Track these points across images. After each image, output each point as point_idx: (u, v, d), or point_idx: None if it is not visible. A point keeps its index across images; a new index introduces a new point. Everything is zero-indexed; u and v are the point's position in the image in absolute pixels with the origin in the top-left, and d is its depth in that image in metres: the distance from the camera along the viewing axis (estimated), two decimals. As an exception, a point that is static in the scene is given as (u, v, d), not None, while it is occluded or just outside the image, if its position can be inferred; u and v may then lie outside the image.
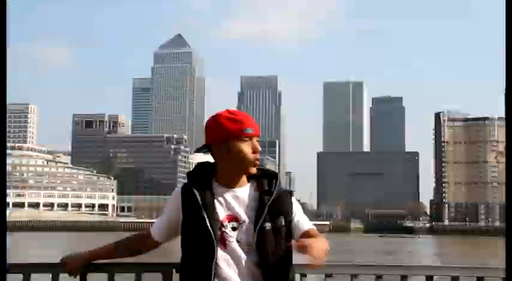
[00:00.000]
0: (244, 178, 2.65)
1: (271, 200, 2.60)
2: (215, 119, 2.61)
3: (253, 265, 2.55)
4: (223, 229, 2.56)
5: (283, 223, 2.60)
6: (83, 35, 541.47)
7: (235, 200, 2.61)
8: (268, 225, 2.57)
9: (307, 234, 2.64)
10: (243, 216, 2.59)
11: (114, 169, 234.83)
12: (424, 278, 3.23)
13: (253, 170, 2.62)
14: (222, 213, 2.58)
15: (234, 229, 2.57)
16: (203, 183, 2.62)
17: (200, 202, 2.57)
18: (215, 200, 2.60)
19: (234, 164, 2.59)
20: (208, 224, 2.53)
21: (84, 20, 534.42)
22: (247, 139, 2.57)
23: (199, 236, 2.54)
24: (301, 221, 2.68)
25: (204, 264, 2.52)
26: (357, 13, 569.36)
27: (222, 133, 2.58)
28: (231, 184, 2.63)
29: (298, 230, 2.65)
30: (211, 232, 2.52)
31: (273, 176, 2.67)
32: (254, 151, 2.59)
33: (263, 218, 2.56)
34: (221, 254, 2.54)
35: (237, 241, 2.56)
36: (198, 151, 2.79)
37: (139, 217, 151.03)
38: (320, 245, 2.44)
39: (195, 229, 2.56)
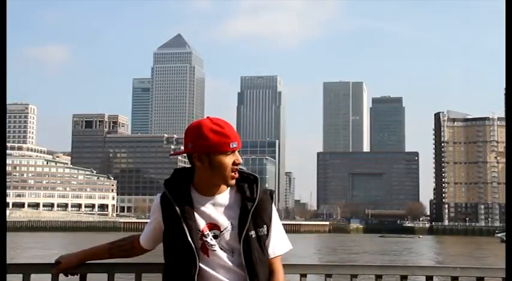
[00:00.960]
0: (223, 186, 2.64)
1: (254, 207, 2.58)
2: (198, 129, 2.54)
3: (239, 270, 2.55)
4: (204, 238, 2.55)
5: (265, 232, 2.61)
6: (83, 35, 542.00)
7: (215, 208, 2.59)
8: (253, 233, 2.56)
9: (270, 264, 2.64)
10: (225, 223, 2.57)
11: (114, 169, 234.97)
12: (424, 278, 3.24)
13: (233, 183, 2.58)
14: (202, 222, 2.57)
15: (215, 236, 2.56)
16: (181, 192, 2.60)
17: (179, 212, 2.54)
18: (194, 210, 2.58)
19: (214, 176, 2.56)
20: (188, 236, 2.52)
21: (84, 20, 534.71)
22: (230, 153, 2.54)
23: (181, 248, 2.54)
24: (274, 241, 2.66)
25: (186, 276, 2.52)
26: (357, 13, 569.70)
27: (205, 145, 2.52)
28: (210, 191, 2.61)
29: (268, 251, 2.64)
30: (192, 245, 2.51)
31: (253, 180, 2.63)
32: (236, 163, 2.55)
33: (247, 226, 2.55)
34: (205, 263, 2.54)
35: (220, 248, 2.55)
36: (175, 154, 2.71)
37: (139, 217, 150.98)
38: None
39: (176, 241, 2.55)
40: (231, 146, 2.52)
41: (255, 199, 2.59)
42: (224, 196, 2.61)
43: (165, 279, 2.63)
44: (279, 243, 2.66)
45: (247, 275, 2.53)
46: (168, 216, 2.59)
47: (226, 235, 2.56)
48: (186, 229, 2.52)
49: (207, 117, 2.58)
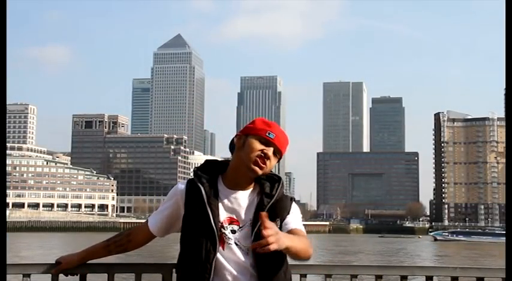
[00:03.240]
0: (249, 181, 2.67)
1: (271, 203, 2.61)
2: (254, 120, 2.69)
3: (251, 267, 2.56)
4: (222, 230, 2.57)
5: (279, 226, 2.59)
6: (83, 35, 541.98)
7: (237, 203, 2.62)
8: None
9: (290, 233, 2.59)
10: (244, 219, 2.61)
11: (114, 169, 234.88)
12: (424, 279, 3.23)
13: (256, 171, 2.60)
14: (223, 214, 2.60)
15: (233, 231, 2.58)
16: (210, 181, 2.64)
17: (205, 199, 2.58)
18: (219, 200, 2.61)
19: (241, 158, 2.62)
20: (212, 221, 2.55)
21: (84, 20, 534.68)
22: (264, 140, 2.60)
23: (202, 233, 2.56)
24: (291, 221, 2.64)
25: (204, 261, 2.54)
26: (357, 13, 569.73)
27: (249, 128, 2.64)
28: (236, 185, 2.65)
29: (285, 229, 2.62)
30: (215, 230, 2.54)
31: (276, 180, 2.68)
32: (262, 154, 2.58)
33: (260, 220, 2.52)
34: (220, 255, 2.56)
35: (236, 244, 2.57)
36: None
37: (139, 218, 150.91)
38: (282, 236, 2.33)
39: (197, 226, 2.58)
40: (267, 134, 2.59)
41: (274, 195, 2.62)
42: (247, 193, 2.65)
43: (181, 265, 2.64)
44: (295, 221, 2.65)
45: (256, 273, 2.55)
46: (192, 201, 2.62)
47: (244, 232, 2.58)
48: (210, 214, 2.56)
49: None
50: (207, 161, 2.75)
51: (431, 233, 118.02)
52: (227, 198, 2.63)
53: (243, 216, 2.61)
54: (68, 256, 2.96)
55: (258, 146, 2.58)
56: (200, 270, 2.53)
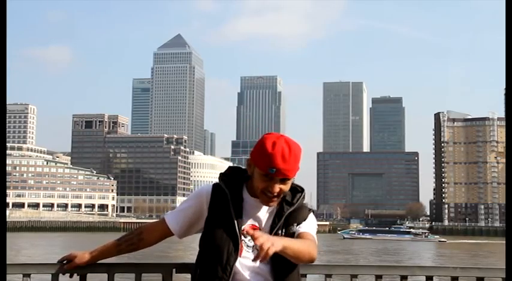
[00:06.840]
0: None
1: (291, 211, 2.69)
2: (263, 142, 2.60)
3: (269, 274, 2.65)
4: (243, 238, 2.65)
5: (295, 229, 2.71)
6: (83, 35, 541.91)
7: (260, 211, 2.70)
8: (281, 232, 2.68)
9: (298, 236, 2.69)
10: (264, 227, 2.69)
11: (114, 169, 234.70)
12: (424, 279, 3.26)
13: (266, 205, 2.68)
14: (246, 221, 2.68)
15: None
16: (235, 188, 2.70)
17: (231, 205, 2.65)
18: (243, 208, 2.69)
19: (253, 185, 2.68)
20: (236, 227, 2.63)
21: (85, 20, 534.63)
22: (267, 175, 2.58)
23: (225, 237, 2.62)
24: (303, 225, 2.73)
25: (225, 263, 2.61)
26: (358, 14, 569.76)
27: (255, 157, 2.63)
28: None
29: (296, 231, 2.72)
30: (238, 235, 2.62)
31: (299, 191, 2.76)
32: (268, 193, 2.61)
33: (278, 225, 2.67)
34: (239, 260, 2.63)
35: (257, 250, 2.54)
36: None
37: (139, 218, 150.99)
38: (270, 239, 2.41)
39: (220, 230, 2.64)
40: (267, 169, 2.56)
41: (294, 204, 2.71)
42: None
43: (200, 265, 2.70)
44: (307, 226, 2.74)
45: (273, 274, 2.64)
46: (217, 205, 2.69)
47: None
48: (235, 221, 2.63)
49: (283, 135, 2.64)
50: (230, 167, 2.80)
51: (340, 232, 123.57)
52: (251, 206, 2.69)
53: (264, 223, 2.69)
54: (81, 253, 2.94)
55: (262, 183, 2.60)
56: (221, 272, 2.59)
